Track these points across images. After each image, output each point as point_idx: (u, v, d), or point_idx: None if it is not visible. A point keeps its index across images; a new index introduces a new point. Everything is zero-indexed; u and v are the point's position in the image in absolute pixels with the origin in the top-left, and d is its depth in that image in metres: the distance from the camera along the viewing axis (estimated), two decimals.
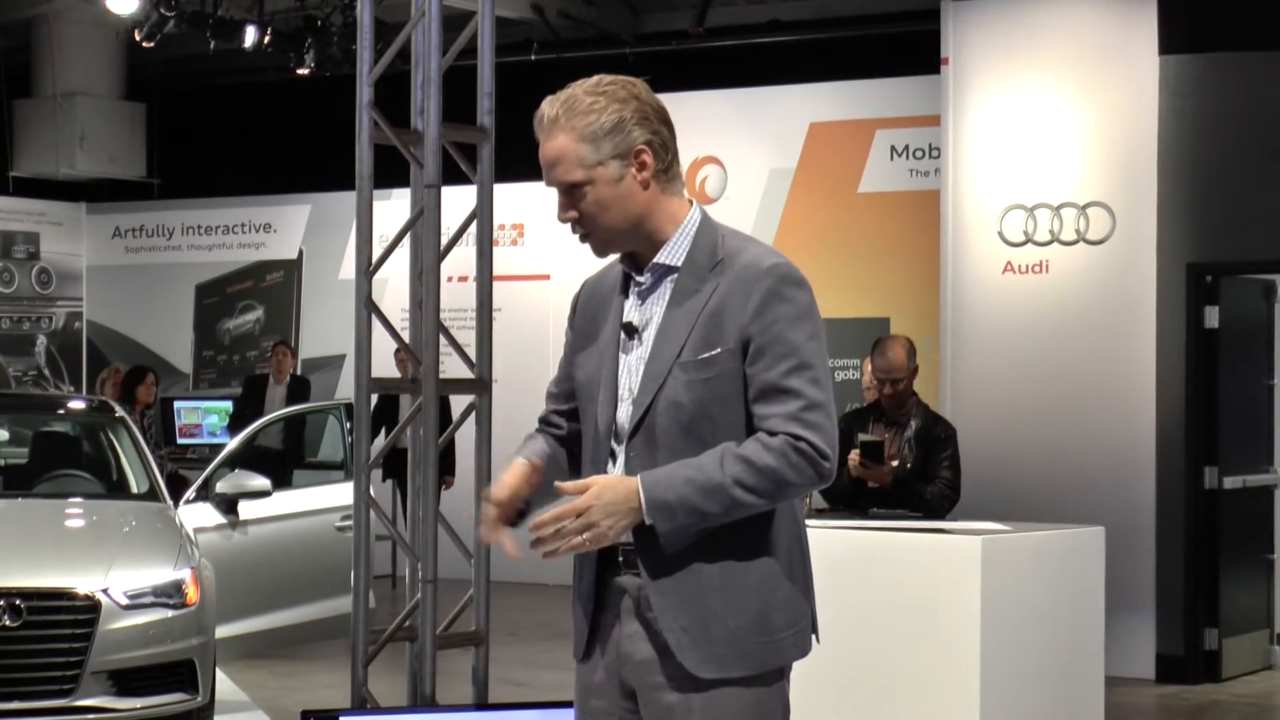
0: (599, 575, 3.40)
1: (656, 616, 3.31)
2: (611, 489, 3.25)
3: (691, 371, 3.32)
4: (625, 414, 3.38)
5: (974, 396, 10.65)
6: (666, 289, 3.39)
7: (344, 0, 14.24)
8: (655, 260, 3.40)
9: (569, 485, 3.29)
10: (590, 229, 3.38)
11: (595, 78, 3.40)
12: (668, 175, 3.40)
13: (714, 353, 3.31)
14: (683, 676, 3.30)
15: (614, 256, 3.53)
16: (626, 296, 3.45)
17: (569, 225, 3.40)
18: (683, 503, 3.23)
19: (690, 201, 3.45)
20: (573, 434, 3.55)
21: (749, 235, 3.46)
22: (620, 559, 3.37)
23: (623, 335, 3.41)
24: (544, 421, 3.62)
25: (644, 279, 3.42)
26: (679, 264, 3.38)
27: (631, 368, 3.39)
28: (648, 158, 3.36)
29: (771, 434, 3.26)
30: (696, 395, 3.31)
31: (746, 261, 3.34)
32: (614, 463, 3.38)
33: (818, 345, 3.32)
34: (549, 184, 3.39)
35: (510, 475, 3.41)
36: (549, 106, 3.39)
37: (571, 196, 3.36)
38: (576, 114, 3.35)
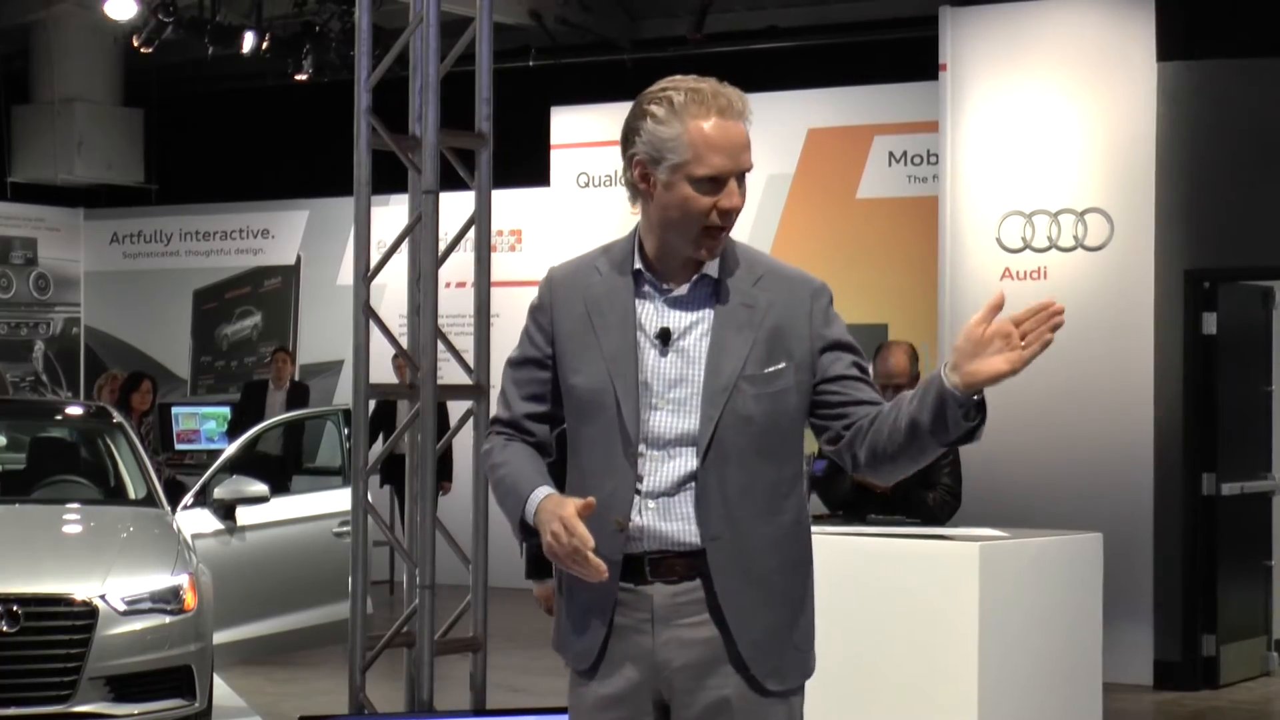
0: (626, 579, 3.36)
1: (732, 629, 3.31)
2: None
3: (760, 385, 3.33)
4: (664, 423, 3.33)
5: None
6: (707, 300, 3.37)
7: (342, 6, 14.25)
8: (703, 271, 3.37)
9: None
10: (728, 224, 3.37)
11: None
12: None
13: (779, 367, 3.34)
14: (733, 683, 3.32)
15: (579, 254, 3.52)
16: (640, 300, 3.39)
17: (726, 216, 3.32)
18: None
19: None
20: (544, 440, 3.50)
21: (761, 251, 3.51)
22: (647, 567, 3.34)
23: (654, 341, 3.36)
24: (512, 425, 3.50)
25: (674, 287, 3.38)
26: (716, 275, 3.38)
27: (667, 376, 3.35)
28: None
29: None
30: (765, 408, 3.34)
31: (795, 279, 3.41)
32: (640, 469, 3.34)
33: None
34: (736, 167, 3.31)
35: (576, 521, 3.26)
36: (733, 91, 3.34)
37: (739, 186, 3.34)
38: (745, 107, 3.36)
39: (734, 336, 3.34)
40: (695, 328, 3.36)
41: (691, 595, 3.33)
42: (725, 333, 3.34)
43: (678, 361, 3.35)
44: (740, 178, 3.32)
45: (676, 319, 3.37)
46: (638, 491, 3.33)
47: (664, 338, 3.36)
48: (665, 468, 3.34)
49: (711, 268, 3.37)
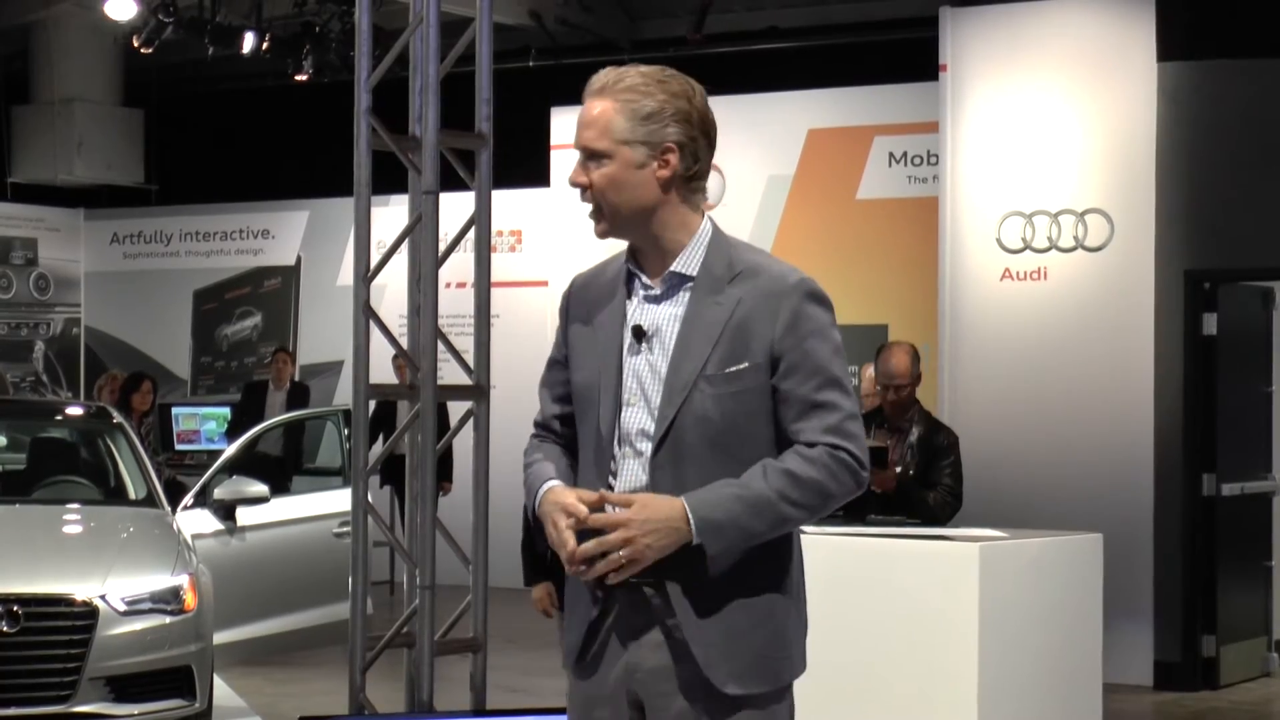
0: (599, 581, 3.33)
1: (685, 633, 3.28)
2: (654, 506, 3.22)
3: (720, 385, 3.29)
4: (634, 420, 3.34)
5: (972, 403, 10.65)
6: (681, 298, 3.36)
7: (342, 6, 14.25)
8: (671, 269, 3.37)
9: (615, 496, 3.25)
10: (597, 204, 3.35)
11: (660, 67, 3.38)
12: (690, 185, 3.36)
13: (741, 367, 3.29)
14: (699, 687, 3.28)
15: (609, 255, 3.51)
16: (629, 298, 3.41)
17: (579, 192, 3.36)
18: (732, 521, 3.22)
19: (703, 214, 3.42)
20: (572, 440, 3.50)
21: (759, 248, 3.45)
22: None
23: (629, 338, 3.37)
24: (544, 427, 3.54)
25: (653, 285, 3.38)
26: (694, 274, 3.36)
27: (639, 373, 3.35)
28: (673, 158, 3.32)
29: (810, 445, 3.27)
30: (725, 409, 3.29)
31: (771, 276, 3.33)
32: (614, 467, 3.34)
33: (842, 359, 3.35)
34: (576, 144, 3.38)
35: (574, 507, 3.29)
36: (604, 73, 3.36)
37: (589, 164, 3.34)
38: (624, 88, 3.32)
39: (698, 335, 3.32)
40: (666, 325, 3.36)
41: (659, 598, 3.31)
42: (690, 331, 3.33)
43: (648, 359, 3.35)
44: (591, 156, 3.33)
45: (651, 316, 3.37)
46: (611, 489, 3.33)
47: (637, 335, 3.36)
48: (633, 465, 3.34)
49: (688, 265, 3.36)
